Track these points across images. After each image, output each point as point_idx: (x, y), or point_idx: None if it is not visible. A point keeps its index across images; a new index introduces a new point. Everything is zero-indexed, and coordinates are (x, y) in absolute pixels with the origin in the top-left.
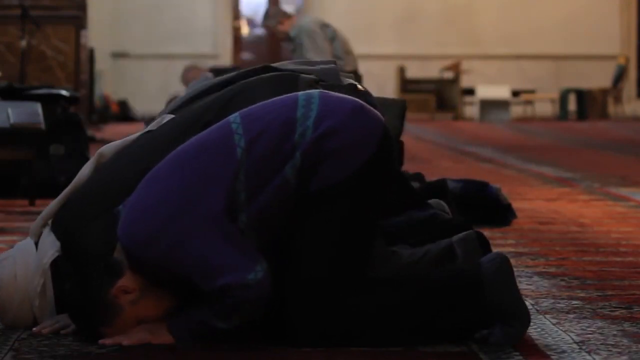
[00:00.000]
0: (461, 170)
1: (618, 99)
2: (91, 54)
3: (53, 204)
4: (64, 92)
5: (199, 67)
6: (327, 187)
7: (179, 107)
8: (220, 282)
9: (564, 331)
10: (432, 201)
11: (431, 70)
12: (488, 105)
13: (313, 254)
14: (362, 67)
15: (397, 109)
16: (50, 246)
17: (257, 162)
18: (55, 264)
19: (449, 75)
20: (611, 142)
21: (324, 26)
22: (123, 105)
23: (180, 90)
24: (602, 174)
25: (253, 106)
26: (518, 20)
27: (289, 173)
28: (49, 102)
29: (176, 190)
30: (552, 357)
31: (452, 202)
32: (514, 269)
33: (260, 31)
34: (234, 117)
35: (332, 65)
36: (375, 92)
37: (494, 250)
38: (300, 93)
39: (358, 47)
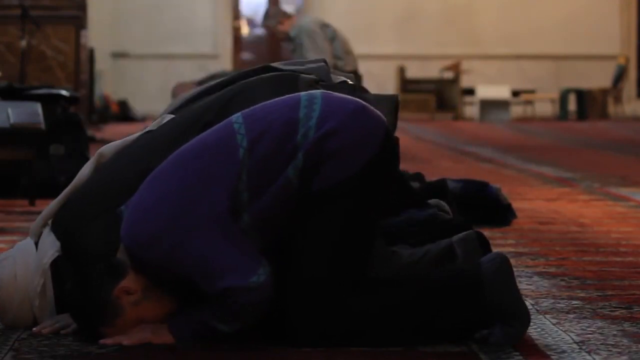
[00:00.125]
0: (461, 170)
1: (618, 99)
2: (91, 54)
3: (53, 204)
4: (64, 92)
5: (189, 83)
6: (329, 187)
7: (179, 107)
8: (222, 285)
9: (564, 331)
10: (432, 201)
11: (431, 70)
12: (488, 105)
13: (314, 253)
14: (362, 67)
15: (389, 105)
16: (50, 246)
17: (260, 162)
18: (55, 264)
19: (449, 75)
20: (611, 142)
21: (324, 26)
22: (123, 105)
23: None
24: (602, 174)
25: (255, 106)
26: (518, 20)
27: (292, 173)
28: (49, 102)
29: (178, 191)
30: (552, 357)
31: (452, 202)
32: (514, 269)
33: (260, 31)
34: (236, 117)
35: (321, 63)
36: (375, 92)
37: (494, 250)
38: (302, 93)
39: (358, 47)
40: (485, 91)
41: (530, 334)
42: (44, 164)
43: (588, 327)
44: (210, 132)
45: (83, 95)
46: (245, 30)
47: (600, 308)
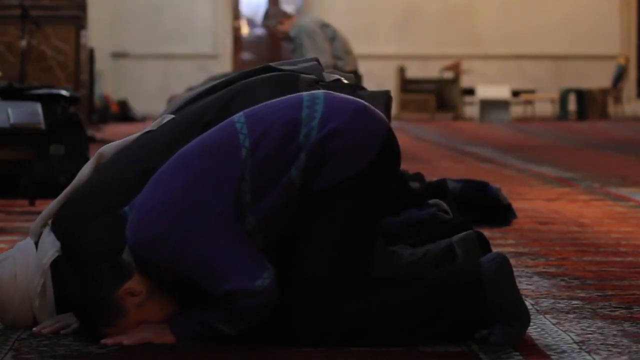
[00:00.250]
0: (461, 170)
1: (618, 99)
2: (91, 54)
3: (53, 204)
4: (64, 92)
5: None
6: (331, 187)
7: (179, 107)
8: (226, 288)
9: (564, 331)
10: (431, 201)
11: (431, 70)
12: (488, 105)
13: (316, 254)
14: (362, 67)
15: (382, 100)
16: (50, 246)
17: (262, 162)
18: (55, 264)
19: (449, 75)
20: (611, 142)
21: (324, 26)
22: (123, 105)
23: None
24: (602, 174)
25: (257, 106)
26: (518, 20)
27: (295, 174)
28: (49, 102)
29: (182, 191)
30: (552, 357)
31: (452, 202)
32: (514, 269)
33: (260, 31)
34: (239, 116)
35: (314, 62)
36: None
37: (494, 250)
38: (304, 93)
39: (358, 47)
40: (485, 91)
41: (530, 334)
42: (44, 164)
43: (588, 327)
44: (212, 132)
45: (83, 95)
46: (245, 30)
47: (600, 308)
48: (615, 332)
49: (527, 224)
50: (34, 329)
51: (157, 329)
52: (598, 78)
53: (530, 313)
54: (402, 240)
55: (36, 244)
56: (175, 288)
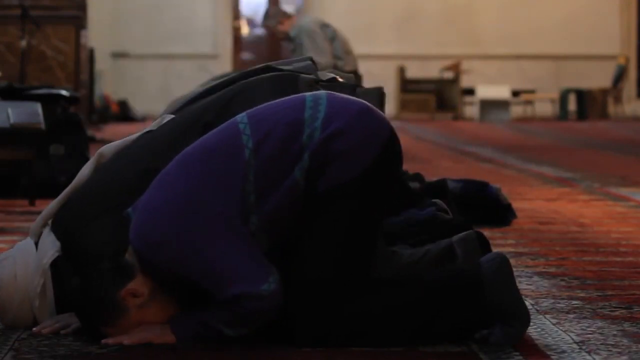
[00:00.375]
0: (461, 170)
1: (618, 99)
2: (91, 54)
3: (53, 204)
4: (64, 92)
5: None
6: (334, 187)
7: (179, 107)
8: (232, 291)
9: (564, 331)
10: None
11: (431, 70)
12: (488, 105)
13: (319, 254)
14: (362, 67)
15: (376, 97)
16: (50, 246)
17: (266, 163)
18: (55, 264)
19: (449, 75)
20: (611, 142)
21: (324, 26)
22: (123, 105)
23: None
24: (602, 174)
25: (260, 106)
26: (518, 20)
27: (298, 174)
28: (49, 102)
29: (186, 192)
30: (552, 357)
31: (452, 202)
32: (514, 269)
33: (260, 31)
34: (241, 117)
35: (308, 62)
36: None
37: (494, 250)
38: (307, 94)
39: (358, 47)
40: (485, 91)
41: (530, 334)
42: (44, 164)
43: (588, 327)
44: (215, 133)
45: (83, 95)
46: (245, 30)
47: (600, 308)
48: (615, 332)
49: (527, 224)
50: (34, 329)
51: (158, 329)
52: (598, 78)
53: (530, 313)
54: (402, 240)
55: (36, 244)
56: (177, 289)
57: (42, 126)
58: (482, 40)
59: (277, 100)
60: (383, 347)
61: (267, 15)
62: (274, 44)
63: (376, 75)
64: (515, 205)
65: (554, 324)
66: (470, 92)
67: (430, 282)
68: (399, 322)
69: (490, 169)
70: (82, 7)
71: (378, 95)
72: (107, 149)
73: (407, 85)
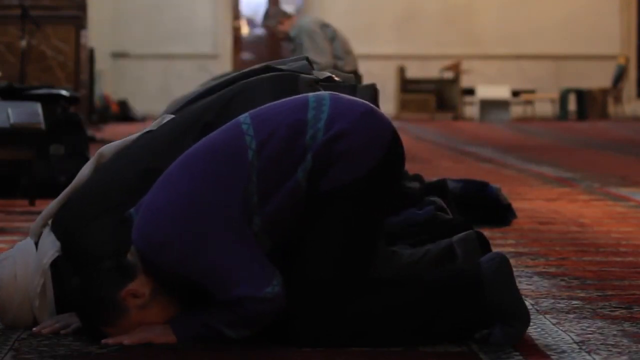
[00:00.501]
0: (461, 170)
1: (618, 99)
2: (91, 54)
3: (53, 204)
4: (64, 92)
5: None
6: (336, 188)
7: (179, 107)
8: (236, 293)
9: (564, 331)
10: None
11: (431, 70)
12: (488, 105)
13: (320, 255)
14: (362, 67)
15: (369, 94)
16: (50, 246)
17: (269, 164)
18: (55, 264)
19: (449, 75)
20: (611, 142)
21: (324, 26)
22: (123, 105)
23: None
24: (602, 174)
25: (263, 107)
26: (518, 20)
27: (301, 175)
28: (49, 102)
29: (189, 193)
30: (552, 357)
31: (452, 202)
32: (514, 269)
33: (260, 31)
34: (244, 117)
35: (303, 61)
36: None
37: (494, 250)
38: (310, 95)
39: (358, 47)
40: (485, 91)
41: (530, 334)
42: (44, 164)
43: (588, 327)
44: (218, 133)
45: (83, 95)
46: (245, 30)
47: (600, 308)
48: (615, 332)
49: (527, 224)
50: (34, 329)
51: (159, 329)
52: (598, 78)
53: (530, 313)
54: (402, 240)
55: (36, 244)
56: (179, 289)
57: (42, 126)
58: (482, 40)
59: (279, 101)
60: (383, 347)
61: (267, 15)
62: (274, 44)
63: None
64: (515, 205)
65: (554, 324)
66: (470, 92)
67: (430, 282)
68: (399, 322)
69: (490, 169)
70: (82, 7)
71: (371, 91)
72: (107, 149)
73: (407, 85)
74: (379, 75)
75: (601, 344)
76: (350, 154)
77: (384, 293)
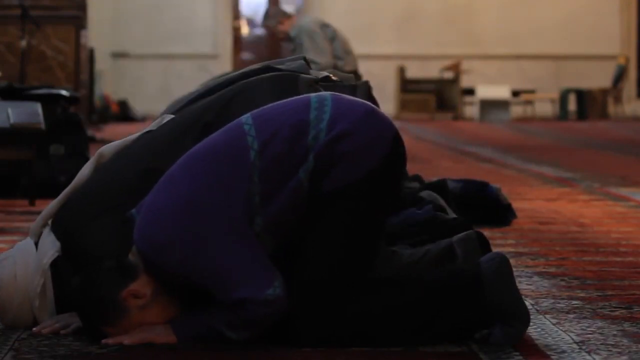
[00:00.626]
0: (461, 170)
1: (618, 99)
2: (91, 54)
3: (53, 204)
4: (64, 92)
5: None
6: (338, 189)
7: (179, 107)
8: (238, 295)
9: (564, 331)
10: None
11: (431, 70)
12: (488, 105)
13: (322, 255)
14: (362, 67)
15: (364, 90)
16: (50, 246)
17: (271, 165)
18: (55, 264)
19: (449, 75)
20: (611, 142)
21: (324, 26)
22: (123, 105)
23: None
24: (602, 174)
25: (264, 107)
26: (518, 20)
27: (303, 176)
28: (49, 102)
29: (191, 194)
30: (552, 357)
31: (452, 202)
32: (514, 269)
33: (260, 31)
34: (246, 118)
35: (301, 61)
36: (375, 92)
37: (494, 250)
38: (312, 95)
39: (358, 47)
40: (485, 91)
41: (530, 334)
42: (44, 164)
43: (588, 327)
44: (220, 134)
45: (83, 95)
46: (245, 30)
47: (600, 308)
48: (615, 332)
49: (527, 224)
50: (34, 329)
51: (159, 329)
52: (598, 78)
53: (530, 313)
54: (402, 240)
55: (36, 244)
56: (180, 290)
57: (42, 126)
58: (482, 40)
59: (281, 101)
60: (383, 347)
61: (267, 15)
62: (274, 44)
63: (376, 75)
64: (515, 205)
65: (554, 324)
66: (470, 92)
67: (430, 282)
68: (399, 322)
69: (490, 169)
70: (82, 7)
71: (366, 88)
72: (107, 149)
73: (407, 85)
74: (379, 75)
75: (601, 344)
76: (352, 154)
77: (384, 293)
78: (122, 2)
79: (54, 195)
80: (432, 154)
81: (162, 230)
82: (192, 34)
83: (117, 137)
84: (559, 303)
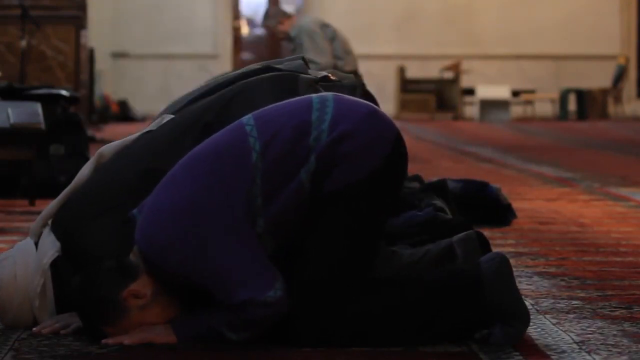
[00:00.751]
0: (461, 170)
1: (618, 99)
2: (91, 54)
3: (53, 204)
4: (64, 92)
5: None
6: (339, 189)
7: (179, 107)
8: (238, 296)
9: (564, 331)
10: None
11: (431, 70)
12: (488, 105)
13: (322, 255)
14: (362, 67)
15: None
16: (50, 246)
17: (272, 166)
18: (55, 264)
19: (449, 75)
20: (611, 142)
21: (324, 26)
22: (123, 105)
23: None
24: (602, 174)
25: (266, 108)
26: (518, 20)
27: (304, 177)
28: (49, 102)
29: (192, 195)
30: (552, 357)
31: (452, 202)
32: (514, 269)
33: (260, 31)
34: (247, 119)
35: (299, 60)
36: (375, 92)
37: (494, 250)
38: (313, 96)
39: (358, 47)
40: (485, 91)
41: (530, 334)
42: (44, 164)
43: (588, 327)
44: (221, 134)
45: (83, 95)
46: (245, 30)
47: (600, 308)
48: (615, 332)
49: (527, 224)
50: (34, 329)
51: (159, 329)
52: (598, 78)
53: (530, 313)
54: (402, 241)
55: (36, 244)
56: (181, 290)
57: (42, 126)
58: (482, 40)
59: (283, 102)
60: (383, 347)
61: (267, 15)
62: (274, 44)
63: (376, 75)
64: (515, 205)
65: (554, 324)
66: (470, 92)
67: (430, 282)
68: (399, 322)
69: (490, 169)
70: (82, 7)
71: (361, 86)
72: (107, 149)
73: (407, 85)
74: (379, 75)
75: (601, 344)
76: (353, 155)
77: (384, 293)
78: (122, 2)
79: (54, 195)
80: (432, 154)
81: (162, 231)
82: (192, 34)
83: (117, 137)
84: (559, 303)
